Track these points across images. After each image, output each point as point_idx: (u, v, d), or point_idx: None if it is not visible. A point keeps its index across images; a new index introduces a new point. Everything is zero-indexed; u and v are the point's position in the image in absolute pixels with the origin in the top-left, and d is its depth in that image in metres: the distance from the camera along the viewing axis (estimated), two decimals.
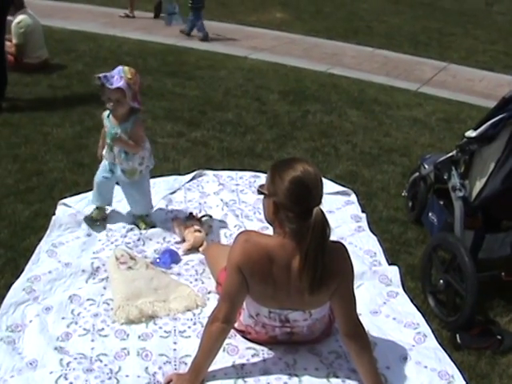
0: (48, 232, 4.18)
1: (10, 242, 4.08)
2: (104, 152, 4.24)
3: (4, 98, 6.56)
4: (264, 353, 3.17)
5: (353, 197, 4.93)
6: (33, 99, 6.89)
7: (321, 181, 2.82)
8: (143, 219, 4.33)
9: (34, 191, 4.77)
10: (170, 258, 3.90)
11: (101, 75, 3.84)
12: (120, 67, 3.91)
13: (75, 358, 3.10)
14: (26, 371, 3.03)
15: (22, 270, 3.78)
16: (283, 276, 2.84)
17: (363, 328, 2.99)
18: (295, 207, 2.74)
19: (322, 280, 2.78)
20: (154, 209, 4.51)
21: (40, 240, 4.09)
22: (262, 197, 2.97)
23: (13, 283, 3.65)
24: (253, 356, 3.15)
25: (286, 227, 2.81)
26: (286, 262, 2.83)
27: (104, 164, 4.26)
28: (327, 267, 2.78)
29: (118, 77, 3.82)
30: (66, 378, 2.97)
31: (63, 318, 3.40)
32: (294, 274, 2.83)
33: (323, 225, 2.72)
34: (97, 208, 4.37)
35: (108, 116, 4.12)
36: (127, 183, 4.28)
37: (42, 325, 3.34)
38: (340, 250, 2.93)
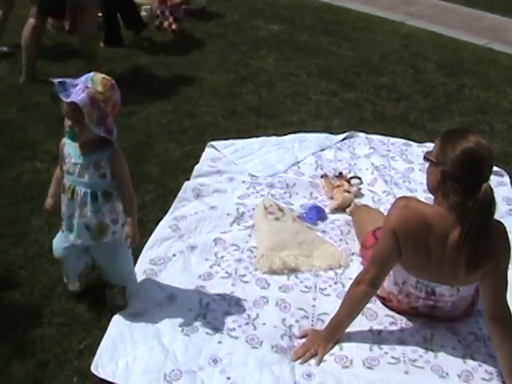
0: (193, 174, 4.26)
1: (160, 179, 4.19)
2: (62, 203, 2.91)
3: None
4: (402, 323, 3.10)
5: (506, 178, 4.71)
6: (189, 44, 6.99)
7: (492, 156, 2.70)
8: (119, 291, 3.10)
9: (187, 132, 4.87)
10: (316, 214, 3.86)
11: (57, 80, 2.63)
12: (92, 74, 2.71)
13: (214, 300, 3.16)
14: (166, 305, 3.12)
15: (170, 207, 3.88)
16: (439, 248, 2.75)
17: (510, 314, 2.86)
18: (464, 179, 2.64)
19: (479, 258, 2.69)
20: (304, 163, 4.50)
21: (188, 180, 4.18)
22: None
23: (161, 219, 3.75)
24: (391, 324, 3.09)
25: (450, 199, 2.71)
26: (443, 234, 2.73)
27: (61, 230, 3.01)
28: (487, 246, 2.68)
29: (83, 86, 2.63)
30: (205, 318, 3.04)
31: (206, 260, 3.46)
32: (450, 248, 2.73)
33: (490, 202, 2.62)
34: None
35: (70, 141, 2.82)
36: (96, 248, 2.99)
37: (185, 262, 3.42)
38: (500, 229, 2.80)
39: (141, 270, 3.34)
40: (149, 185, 4.10)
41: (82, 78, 2.66)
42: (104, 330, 2.93)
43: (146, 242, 3.54)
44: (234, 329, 2.98)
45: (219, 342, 2.90)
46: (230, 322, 3.02)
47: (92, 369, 2.71)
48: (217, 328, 2.98)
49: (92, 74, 2.69)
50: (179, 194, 3.99)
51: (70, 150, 2.80)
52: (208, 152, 4.54)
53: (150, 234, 3.61)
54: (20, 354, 2.78)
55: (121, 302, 3.08)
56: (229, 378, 2.72)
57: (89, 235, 2.86)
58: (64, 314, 3.01)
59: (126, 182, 2.85)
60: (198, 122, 5.07)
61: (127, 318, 3.00)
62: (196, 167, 4.32)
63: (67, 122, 2.69)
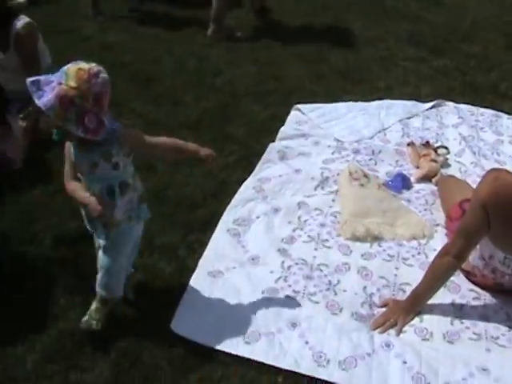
0: (278, 136, 4.25)
1: (244, 140, 4.20)
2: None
3: None
4: (486, 298, 3.02)
5: None
6: (277, 5, 6.86)
7: None
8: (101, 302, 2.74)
9: (272, 95, 4.86)
10: (401, 182, 3.80)
11: (30, 80, 2.27)
12: (67, 66, 2.31)
13: (296, 263, 3.16)
14: (248, 265, 3.15)
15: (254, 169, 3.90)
16: None
17: None
18: None
19: None
20: (391, 130, 4.43)
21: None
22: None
23: (244, 179, 3.77)
24: (474, 299, 3.01)
25: None
26: None
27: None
28: None
29: (56, 83, 2.27)
30: (286, 281, 3.05)
31: (289, 222, 3.46)
32: None
33: None
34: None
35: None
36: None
37: (269, 224, 3.43)
38: None
39: (225, 228, 3.39)
40: (233, 146, 4.12)
41: (59, 72, 2.30)
42: (185, 286, 2.97)
43: (229, 201, 3.57)
44: (315, 293, 2.98)
45: (299, 306, 2.91)
46: (310, 286, 3.02)
47: (172, 326, 2.75)
48: (297, 291, 2.98)
49: (67, 66, 2.31)
50: (264, 156, 4.00)
51: (73, 150, 2.48)
52: (294, 115, 4.53)
53: (234, 194, 3.64)
54: None
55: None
56: (307, 343, 2.72)
57: (104, 233, 2.59)
58: (145, 269, 3.05)
59: (153, 142, 2.54)
60: (284, 84, 5.04)
61: (208, 277, 3.04)
62: (281, 129, 4.31)
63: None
